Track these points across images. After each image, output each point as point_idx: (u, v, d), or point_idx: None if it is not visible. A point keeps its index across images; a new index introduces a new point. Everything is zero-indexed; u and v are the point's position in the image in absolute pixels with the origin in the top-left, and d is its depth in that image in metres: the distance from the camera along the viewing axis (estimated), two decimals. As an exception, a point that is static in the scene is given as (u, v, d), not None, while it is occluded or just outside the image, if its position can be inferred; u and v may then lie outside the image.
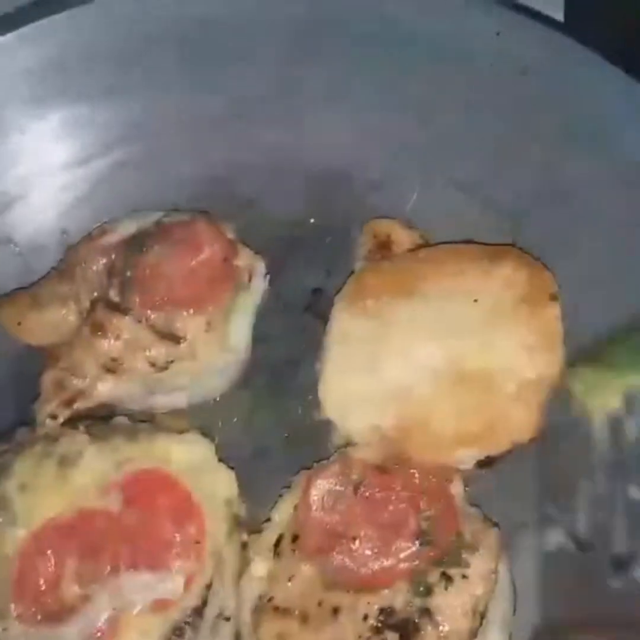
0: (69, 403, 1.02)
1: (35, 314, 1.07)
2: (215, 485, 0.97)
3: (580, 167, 1.12)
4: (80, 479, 0.94)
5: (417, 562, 0.88)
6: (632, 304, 1.06)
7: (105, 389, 1.04)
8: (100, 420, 1.04)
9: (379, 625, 0.86)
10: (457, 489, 0.95)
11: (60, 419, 1.01)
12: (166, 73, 1.17)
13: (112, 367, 1.03)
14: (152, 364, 1.04)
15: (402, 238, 1.14)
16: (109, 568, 0.90)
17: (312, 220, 1.22)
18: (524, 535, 1.01)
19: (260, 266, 1.14)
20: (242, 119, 1.21)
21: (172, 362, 1.04)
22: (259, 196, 1.22)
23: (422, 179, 1.20)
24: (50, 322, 1.08)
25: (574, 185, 1.12)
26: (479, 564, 0.88)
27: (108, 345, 1.03)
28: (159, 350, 1.04)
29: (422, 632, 0.85)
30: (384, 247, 1.14)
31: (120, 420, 1.04)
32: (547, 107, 1.12)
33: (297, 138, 1.22)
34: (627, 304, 1.07)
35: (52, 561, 0.90)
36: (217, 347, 1.07)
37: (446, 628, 0.85)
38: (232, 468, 0.99)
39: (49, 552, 0.91)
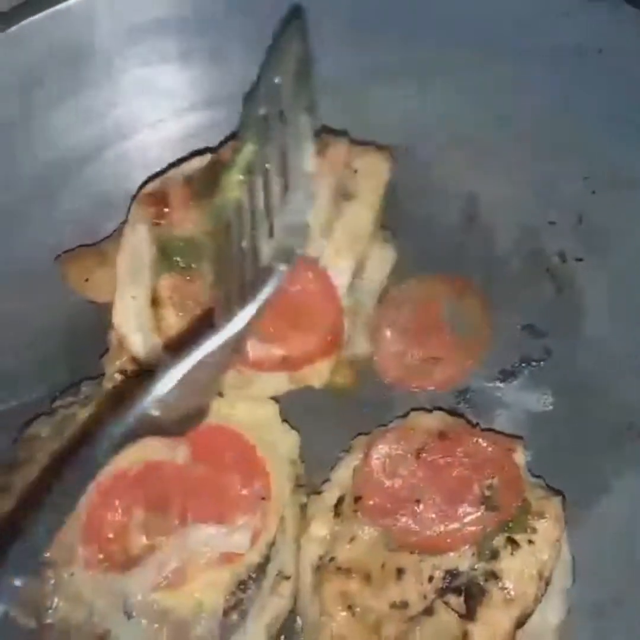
0: (136, 359, 1.03)
1: (102, 270, 1.08)
2: (280, 445, 0.98)
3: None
4: (148, 432, 0.96)
5: (482, 527, 0.89)
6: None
7: None
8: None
9: (444, 587, 0.87)
10: (520, 458, 0.96)
11: (129, 374, 1.02)
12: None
13: None
14: None
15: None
16: (176, 520, 0.91)
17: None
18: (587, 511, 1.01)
19: None
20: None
21: None
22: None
23: (481, 157, 1.19)
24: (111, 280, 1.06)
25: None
26: (545, 530, 0.89)
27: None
28: None
29: (488, 595, 0.86)
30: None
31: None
32: (624, 86, 1.11)
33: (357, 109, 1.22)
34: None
35: (119, 511, 0.92)
36: None
37: (512, 591, 0.86)
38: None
39: (116, 502, 0.92)
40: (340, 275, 1.00)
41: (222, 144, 1.14)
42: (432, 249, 1.14)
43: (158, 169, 1.18)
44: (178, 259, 0.99)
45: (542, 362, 1.10)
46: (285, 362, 0.98)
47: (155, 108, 1.19)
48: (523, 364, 1.10)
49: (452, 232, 1.18)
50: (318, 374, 1.01)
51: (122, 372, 1.01)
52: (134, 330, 1.01)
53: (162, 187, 1.04)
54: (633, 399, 1.05)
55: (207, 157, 1.07)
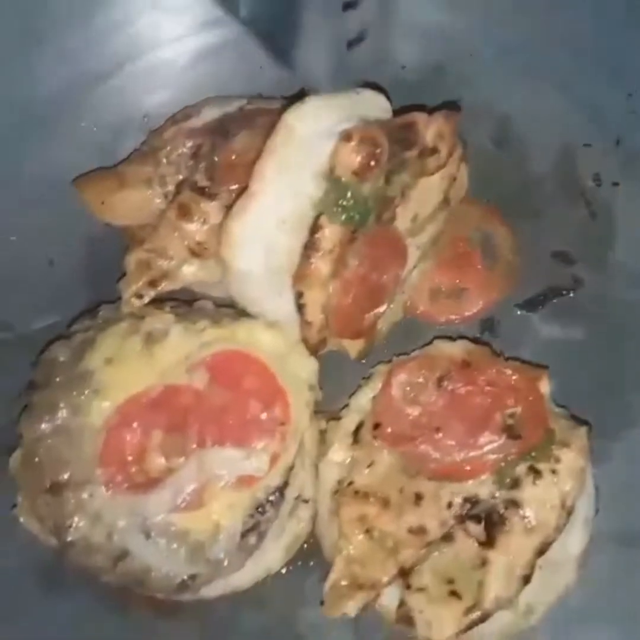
0: (154, 283, 1.01)
1: (120, 193, 1.05)
2: (299, 370, 0.96)
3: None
4: (166, 356, 0.95)
5: (503, 456, 0.87)
6: None
7: (190, 272, 1.03)
8: (184, 303, 1.04)
9: (463, 514, 0.86)
10: (544, 387, 0.93)
11: (146, 299, 1.00)
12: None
13: (198, 251, 1.01)
14: None
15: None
16: (195, 442, 0.90)
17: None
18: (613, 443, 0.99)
19: None
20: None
21: None
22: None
23: (520, 74, 1.14)
24: (135, 202, 1.06)
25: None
26: (569, 459, 0.87)
27: (195, 229, 1.01)
28: None
29: (509, 523, 0.85)
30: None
31: (204, 303, 1.03)
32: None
33: (388, 26, 1.17)
34: None
35: (138, 433, 0.91)
36: None
37: (533, 521, 0.85)
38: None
39: (134, 424, 0.91)
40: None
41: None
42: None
43: (173, 91, 1.15)
44: (353, 213, 0.90)
45: (571, 292, 1.06)
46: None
47: (168, 26, 1.15)
48: (551, 294, 1.06)
49: (485, 153, 1.13)
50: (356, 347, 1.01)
51: (139, 296, 1.00)
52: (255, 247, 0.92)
53: (372, 136, 0.90)
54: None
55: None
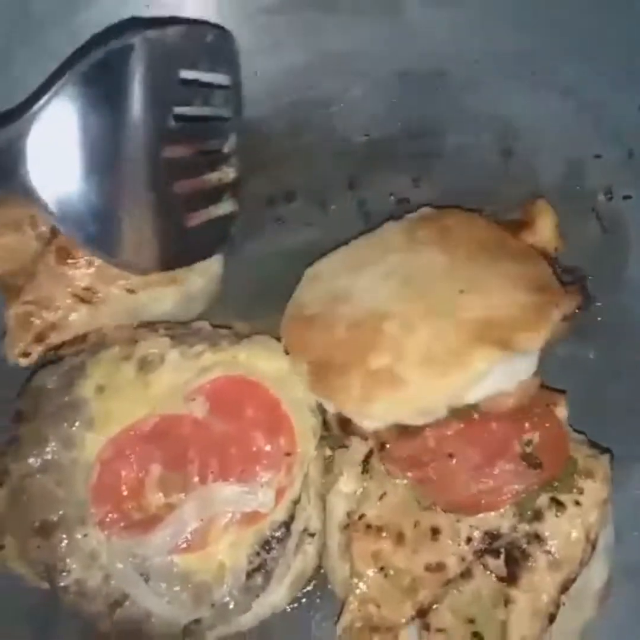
0: (41, 338, 0.93)
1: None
2: (302, 395, 0.91)
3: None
4: (163, 383, 0.89)
5: (523, 486, 0.83)
6: None
7: (81, 319, 0.94)
8: (179, 324, 0.98)
9: (483, 549, 0.82)
10: (562, 413, 0.89)
11: (35, 356, 0.93)
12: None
13: (86, 297, 0.93)
14: (130, 291, 0.95)
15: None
16: (196, 477, 0.85)
17: (399, 125, 1.12)
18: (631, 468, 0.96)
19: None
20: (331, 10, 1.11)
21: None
22: (342, 95, 1.12)
23: (527, 81, 1.10)
24: (5, 248, 0.95)
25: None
26: (593, 490, 0.83)
27: (80, 274, 0.93)
28: (137, 278, 0.94)
29: (532, 558, 0.81)
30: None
31: (201, 324, 0.98)
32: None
33: (391, 32, 1.12)
34: None
35: (135, 467, 0.86)
36: (195, 270, 0.98)
37: (557, 555, 0.81)
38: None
39: (130, 458, 0.86)
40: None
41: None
42: (469, 185, 1.05)
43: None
44: None
45: (583, 310, 1.02)
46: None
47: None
48: (564, 311, 1.02)
49: (491, 163, 1.09)
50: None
51: (26, 354, 0.93)
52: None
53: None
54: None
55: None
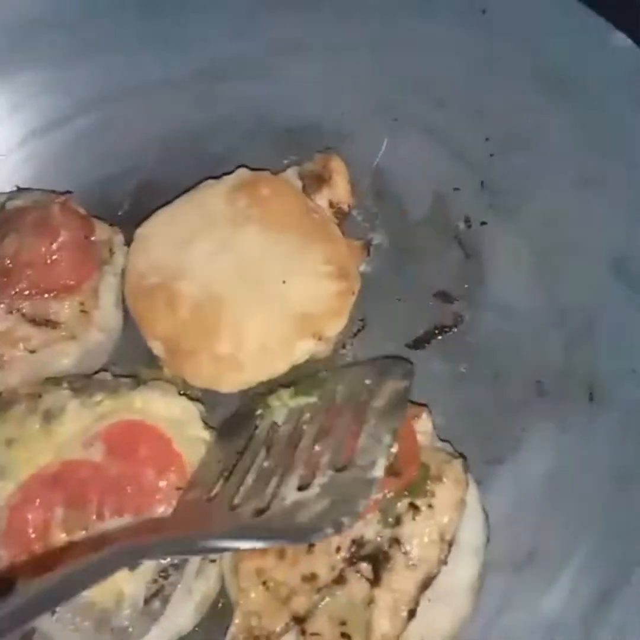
0: None
1: None
2: (194, 432, 1.00)
3: (543, 111, 1.13)
4: (64, 431, 0.98)
5: (384, 494, 0.91)
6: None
7: None
8: (83, 377, 1.08)
9: (351, 556, 0.90)
10: (424, 425, 0.97)
11: None
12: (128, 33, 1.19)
13: None
14: (32, 351, 1.04)
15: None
16: (94, 515, 0.94)
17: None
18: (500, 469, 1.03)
19: (119, 238, 1.15)
20: (209, 76, 1.23)
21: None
22: (230, 152, 1.23)
23: (391, 127, 1.21)
24: None
25: (537, 130, 1.13)
26: (444, 493, 0.91)
27: None
28: (38, 338, 1.03)
29: (392, 560, 0.88)
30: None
31: (103, 375, 1.08)
32: (508, 48, 1.12)
33: (266, 92, 1.24)
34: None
35: (40, 511, 0.94)
36: (95, 325, 1.09)
37: (415, 556, 0.88)
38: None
39: (36, 502, 0.95)
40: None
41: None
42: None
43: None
44: None
45: (453, 329, 1.11)
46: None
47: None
48: (436, 331, 1.12)
49: (366, 204, 1.20)
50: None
51: None
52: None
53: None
54: (539, 359, 1.07)
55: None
